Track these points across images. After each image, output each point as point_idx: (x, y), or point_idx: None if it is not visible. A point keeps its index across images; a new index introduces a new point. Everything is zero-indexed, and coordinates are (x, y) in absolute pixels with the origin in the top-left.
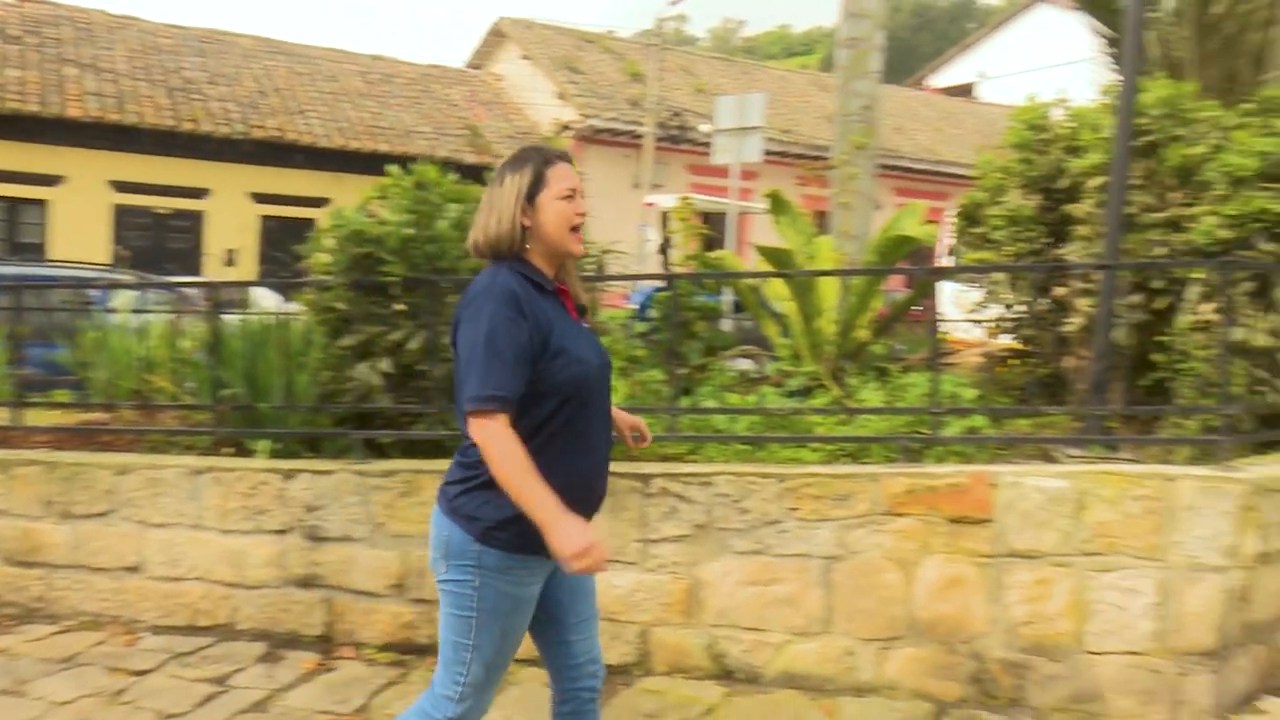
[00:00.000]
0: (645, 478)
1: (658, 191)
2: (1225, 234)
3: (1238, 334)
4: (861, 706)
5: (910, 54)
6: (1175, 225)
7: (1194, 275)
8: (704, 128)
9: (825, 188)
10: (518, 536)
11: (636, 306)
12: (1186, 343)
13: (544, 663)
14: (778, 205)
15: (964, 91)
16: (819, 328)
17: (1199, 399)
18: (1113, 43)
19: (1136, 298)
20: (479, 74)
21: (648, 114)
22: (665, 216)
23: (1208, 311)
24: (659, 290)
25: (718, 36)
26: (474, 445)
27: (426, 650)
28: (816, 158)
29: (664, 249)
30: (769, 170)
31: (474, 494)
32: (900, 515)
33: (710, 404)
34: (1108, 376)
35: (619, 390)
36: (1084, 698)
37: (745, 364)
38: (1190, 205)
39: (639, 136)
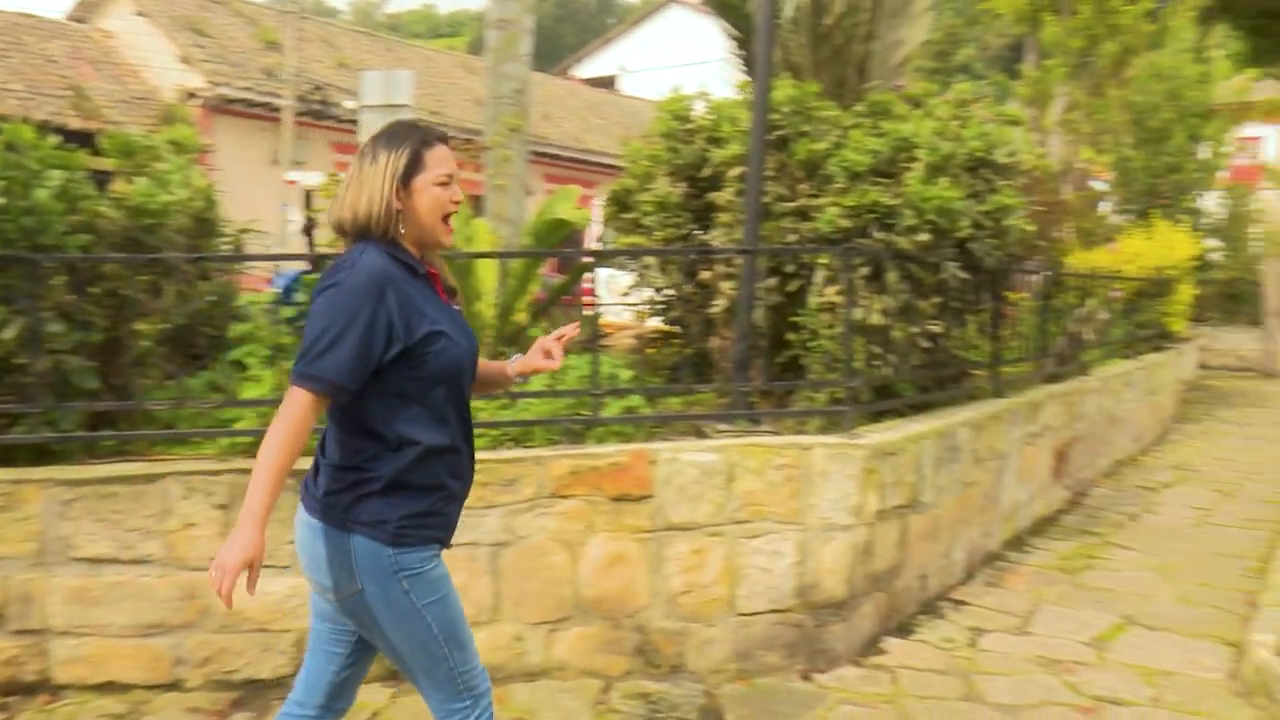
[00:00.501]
0: (297, 473)
1: (300, 169)
2: (846, 223)
3: (857, 314)
4: (531, 691)
5: (555, 44)
6: (804, 214)
7: (820, 261)
8: (348, 104)
9: (478, 171)
10: (426, 528)
11: (280, 290)
12: (815, 322)
13: (305, 672)
14: None
15: (607, 83)
16: (478, 311)
17: (826, 374)
18: (741, 44)
19: (772, 281)
20: (84, 28)
21: (286, 86)
22: (309, 195)
23: (832, 294)
24: (305, 273)
25: (359, 11)
26: (362, 448)
27: (36, 688)
28: (466, 140)
29: (308, 229)
30: None
31: (371, 500)
32: (565, 497)
33: None
34: (749, 355)
35: (265, 382)
36: (738, 657)
37: None
38: (816, 196)
39: (277, 109)
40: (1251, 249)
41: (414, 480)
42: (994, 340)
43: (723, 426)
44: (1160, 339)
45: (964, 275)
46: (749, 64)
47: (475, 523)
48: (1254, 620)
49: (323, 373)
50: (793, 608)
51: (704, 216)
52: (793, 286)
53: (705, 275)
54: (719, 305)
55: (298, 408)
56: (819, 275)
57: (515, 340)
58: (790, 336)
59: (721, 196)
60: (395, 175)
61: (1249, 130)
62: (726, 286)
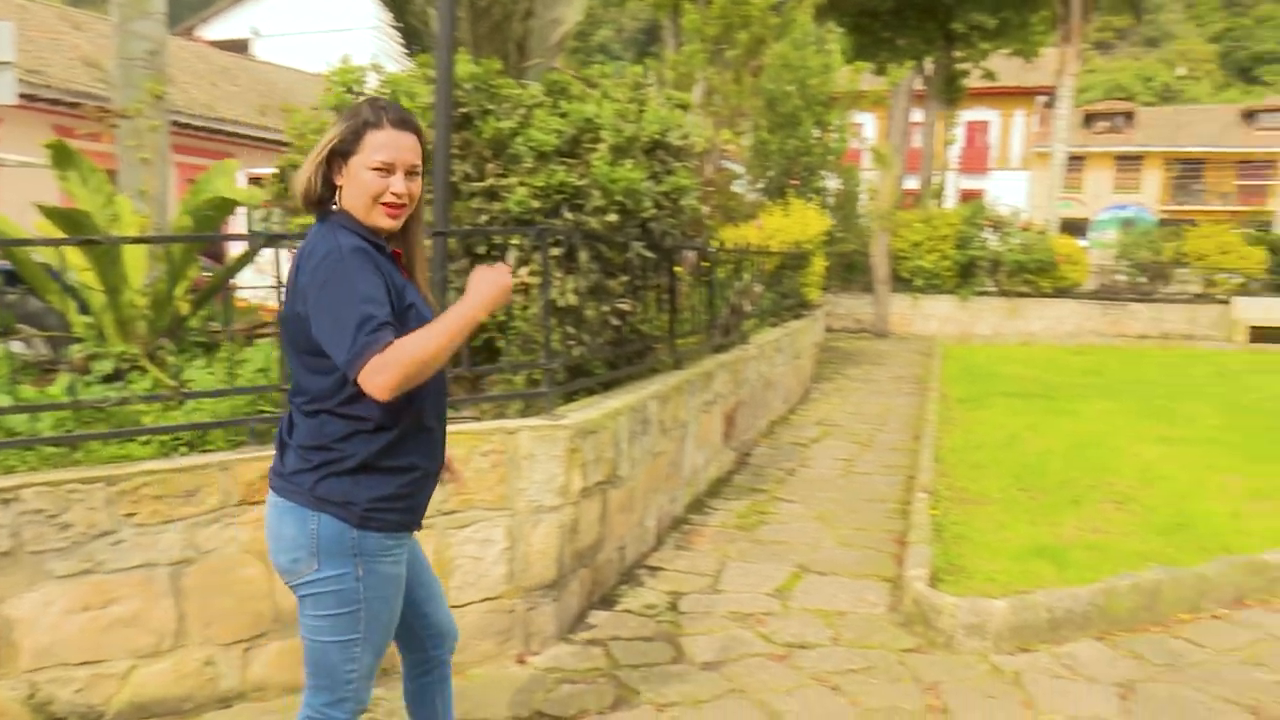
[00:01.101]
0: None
1: None
2: (536, 204)
3: (552, 294)
4: (229, 718)
5: (177, 1)
6: (493, 195)
7: (513, 242)
8: None
9: (102, 141)
10: (395, 513)
11: None
12: (509, 305)
13: (398, 637)
14: (63, 158)
15: (238, 47)
16: (128, 301)
17: (522, 356)
18: (396, 15)
19: (465, 262)
20: None
21: None
22: None
23: (525, 275)
24: None
25: None
26: (335, 428)
27: None
28: (74, 104)
29: None
30: (17, 117)
31: (341, 479)
32: (257, 503)
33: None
34: None
35: None
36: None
37: (19, 347)
38: (505, 176)
39: None
40: (863, 224)
41: (386, 462)
42: (672, 315)
43: None
44: (800, 307)
45: (647, 254)
46: (406, 36)
47: (150, 541)
48: (906, 558)
49: (365, 320)
50: (505, 594)
51: None
52: None
53: None
54: None
55: (390, 365)
56: (512, 256)
57: (175, 332)
58: (484, 320)
59: None
60: (322, 151)
61: (856, 117)
62: None
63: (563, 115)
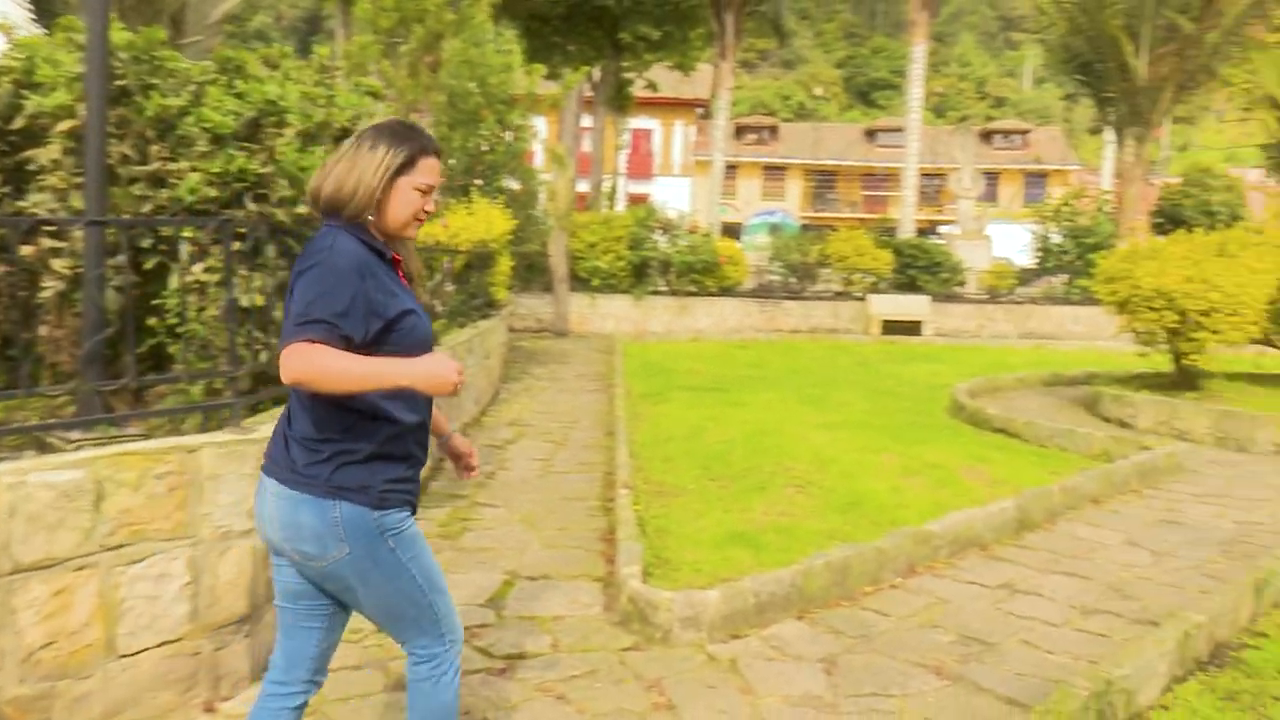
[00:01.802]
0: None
1: None
2: (212, 192)
3: (235, 294)
4: None
5: None
6: (160, 180)
7: (186, 234)
8: None
9: None
10: (402, 492)
11: None
12: (182, 305)
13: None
14: None
15: None
16: None
17: (199, 363)
18: None
19: (122, 258)
20: None
21: None
22: None
23: (200, 272)
24: None
25: None
26: (342, 422)
27: None
28: None
29: None
30: None
31: (353, 468)
32: None
33: None
34: (101, 347)
35: None
36: (121, 707)
37: None
38: (174, 160)
39: None
40: (542, 224)
41: (392, 451)
42: None
43: (76, 435)
44: (488, 307)
45: None
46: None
47: None
48: (617, 555)
49: (319, 315)
50: (187, 635)
51: (16, 177)
52: (150, 264)
53: (28, 251)
54: (50, 288)
55: (305, 359)
56: (185, 251)
57: None
58: (152, 322)
59: (45, 154)
60: (389, 170)
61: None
62: (60, 265)
63: (238, 95)
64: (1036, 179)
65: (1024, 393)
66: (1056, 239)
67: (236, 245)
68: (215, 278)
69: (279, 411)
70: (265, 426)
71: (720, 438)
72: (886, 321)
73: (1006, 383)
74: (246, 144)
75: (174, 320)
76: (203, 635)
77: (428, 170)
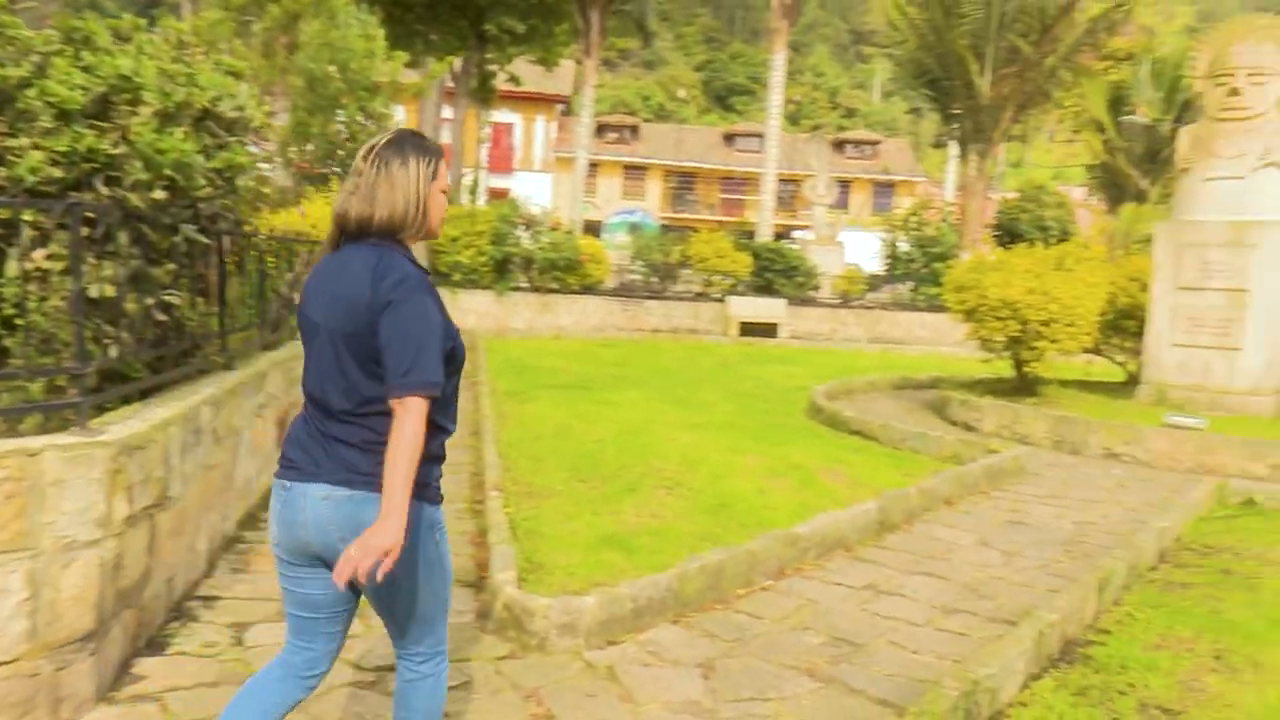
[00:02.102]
0: None
1: None
2: (58, 172)
3: (84, 284)
4: None
5: None
6: None
7: (26, 218)
8: None
9: None
10: (440, 489)
11: None
12: (22, 294)
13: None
14: None
15: None
16: None
17: (39, 358)
18: None
19: None
20: None
21: None
22: None
23: (42, 259)
24: None
25: None
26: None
27: None
28: None
29: None
30: None
31: (419, 466)
32: None
33: None
34: None
35: None
36: None
37: None
38: (14, 136)
39: None
40: None
41: (439, 453)
42: (223, 309)
43: None
44: None
45: (200, 238)
46: None
47: None
48: (491, 560)
49: (432, 378)
50: (25, 655)
51: None
52: None
53: None
54: None
55: (419, 419)
56: (25, 235)
57: None
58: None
59: None
60: (427, 181)
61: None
62: None
63: (86, 69)
64: (885, 189)
65: (876, 396)
66: (905, 247)
67: (85, 231)
68: (60, 265)
69: (131, 411)
70: (115, 427)
71: (589, 437)
72: (745, 323)
73: (859, 386)
74: (96, 122)
75: (12, 311)
76: (42, 655)
77: (445, 172)
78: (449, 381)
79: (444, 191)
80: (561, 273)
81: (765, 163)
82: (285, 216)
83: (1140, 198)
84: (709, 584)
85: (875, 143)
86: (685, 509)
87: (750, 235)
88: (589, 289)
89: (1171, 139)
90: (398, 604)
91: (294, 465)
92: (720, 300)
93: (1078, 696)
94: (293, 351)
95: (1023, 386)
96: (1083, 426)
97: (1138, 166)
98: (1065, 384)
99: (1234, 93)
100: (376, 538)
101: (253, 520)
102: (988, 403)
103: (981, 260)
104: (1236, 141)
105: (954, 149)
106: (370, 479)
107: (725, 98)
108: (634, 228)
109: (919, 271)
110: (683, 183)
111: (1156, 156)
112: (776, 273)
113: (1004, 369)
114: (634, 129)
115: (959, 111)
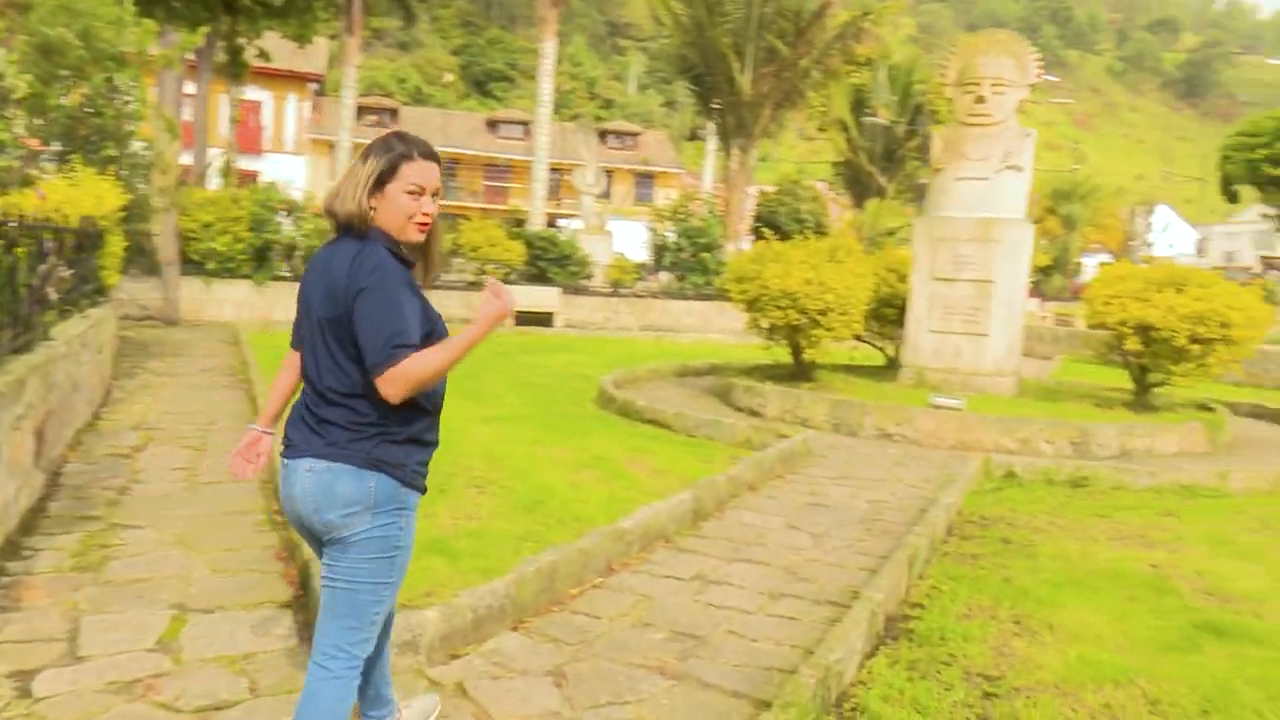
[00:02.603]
0: None
1: None
2: None
3: None
4: None
5: None
6: None
7: None
8: None
9: None
10: (422, 475)
11: None
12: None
13: None
14: None
15: None
16: None
17: None
18: None
19: None
20: None
21: None
22: None
23: None
24: None
25: None
26: (384, 409)
27: None
28: None
29: None
30: None
31: (397, 446)
32: None
33: None
34: None
35: None
36: None
37: None
38: None
39: None
40: (148, 200)
41: (423, 436)
42: None
43: None
44: (97, 294)
45: None
46: None
47: None
48: (311, 578)
49: (400, 341)
50: None
51: None
52: None
53: None
54: None
55: (404, 374)
56: None
57: None
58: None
59: None
60: (370, 179)
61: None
62: None
63: None
64: (646, 179)
65: (660, 384)
66: (672, 237)
67: None
68: None
69: None
70: None
71: None
72: (520, 312)
73: (642, 374)
74: None
75: None
76: None
77: (416, 173)
78: None
79: (411, 192)
80: None
81: (535, 150)
82: (18, 198)
83: (880, 194)
84: (543, 586)
85: (636, 134)
86: (501, 508)
87: (520, 224)
88: None
89: (906, 140)
90: (337, 585)
91: (291, 443)
92: None
93: (910, 671)
94: (50, 353)
95: (800, 372)
96: (859, 409)
97: (877, 164)
98: (836, 369)
99: (980, 100)
100: (480, 329)
101: (14, 549)
102: (771, 389)
103: (762, 252)
104: (982, 145)
105: (711, 143)
106: (346, 453)
107: (484, 83)
108: None
109: (687, 261)
110: (445, 169)
111: (893, 155)
112: (550, 261)
113: (783, 355)
114: (393, 112)
115: (720, 106)
